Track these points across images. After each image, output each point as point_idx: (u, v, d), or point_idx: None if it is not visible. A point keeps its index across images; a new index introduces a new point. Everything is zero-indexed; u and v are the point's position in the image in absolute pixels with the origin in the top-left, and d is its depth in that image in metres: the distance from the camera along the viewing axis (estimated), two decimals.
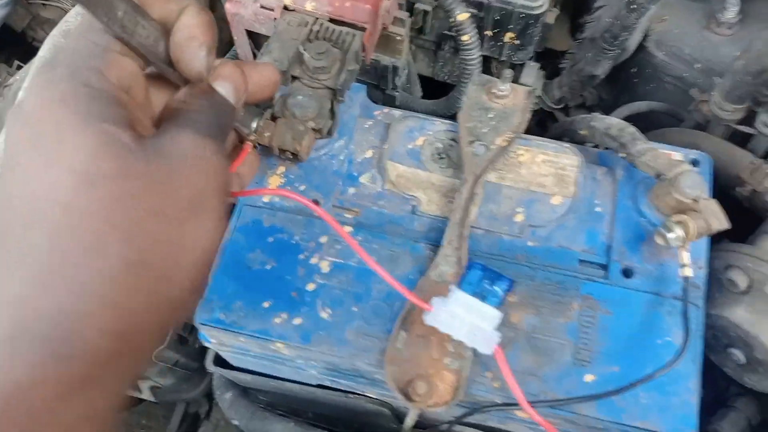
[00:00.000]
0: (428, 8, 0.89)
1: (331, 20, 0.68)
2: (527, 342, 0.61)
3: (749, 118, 0.75)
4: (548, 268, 0.64)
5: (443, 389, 0.58)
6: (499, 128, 0.69)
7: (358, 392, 0.72)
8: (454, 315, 0.56)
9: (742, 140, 0.79)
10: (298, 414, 0.81)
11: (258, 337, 0.60)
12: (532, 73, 0.98)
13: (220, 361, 0.75)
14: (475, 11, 0.87)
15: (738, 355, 0.68)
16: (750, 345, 0.66)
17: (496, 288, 0.58)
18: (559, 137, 0.78)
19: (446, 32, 0.92)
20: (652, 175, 0.64)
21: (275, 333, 0.60)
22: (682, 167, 0.63)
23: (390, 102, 0.87)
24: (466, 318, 0.57)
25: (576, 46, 0.97)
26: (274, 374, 0.73)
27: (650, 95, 0.96)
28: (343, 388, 0.72)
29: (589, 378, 0.59)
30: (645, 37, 0.92)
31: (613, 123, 0.68)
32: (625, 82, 0.99)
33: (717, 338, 0.70)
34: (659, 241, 0.62)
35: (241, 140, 0.55)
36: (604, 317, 0.62)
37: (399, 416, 0.77)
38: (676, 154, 0.69)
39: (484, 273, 0.57)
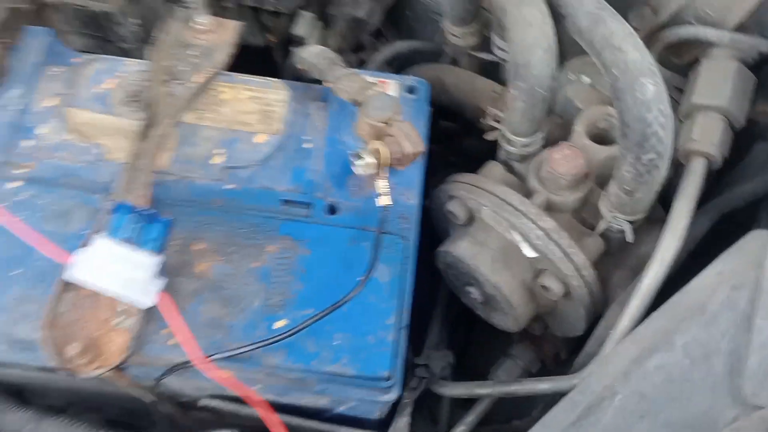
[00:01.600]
0: None
1: None
2: (214, 292, 0.55)
3: (488, 44, 0.71)
4: (246, 211, 0.58)
5: (111, 352, 0.51)
6: (200, 65, 0.63)
7: None
8: (99, 266, 0.50)
9: (494, 71, 0.75)
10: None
11: None
12: (304, 23, 0.93)
13: None
14: None
15: (475, 293, 0.64)
16: (477, 280, 0.61)
17: (150, 230, 0.51)
18: (297, 78, 0.73)
19: None
20: (351, 102, 0.59)
21: None
22: (372, 90, 0.58)
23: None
24: (114, 269, 0.50)
25: None
26: None
27: (432, 37, 0.91)
28: None
29: (279, 324, 0.54)
30: None
31: (315, 51, 0.63)
32: (407, 27, 0.95)
33: (456, 278, 0.66)
34: (356, 171, 0.56)
35: None
36: (302, 258, 0.56)
37: None
38: (392, 82, 0.64)
39: (134, 215, 0.51)
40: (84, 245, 0.52)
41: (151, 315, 0.53)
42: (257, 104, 0.62)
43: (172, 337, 0.53)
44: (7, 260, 0.54)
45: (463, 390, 0.65)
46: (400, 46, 0.85)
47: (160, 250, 0.51)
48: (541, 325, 0.67)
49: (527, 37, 0.53)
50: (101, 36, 0.76)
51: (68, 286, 0.52)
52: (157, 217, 0.51)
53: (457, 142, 0.85)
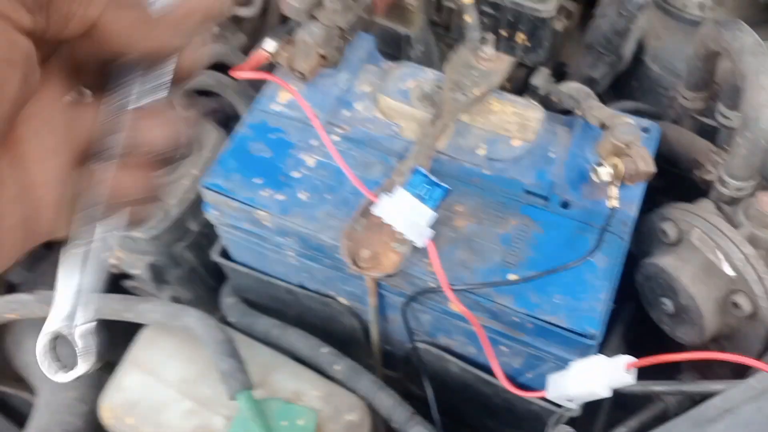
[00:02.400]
0: (453, 6, 1.05)
1: None
2: (465, 243, 0.71)
3: (712, 112, 0.84)
4: (497, 192, 0.74)
5: (387, 264, 0.69)
6: (479, 83, 0.81)
7: (330, 296, 0.84)
8: (395, 208, 0.68)
9: (711, 137, 0.88)
10: (284, 318, 0.92)
11: (246, 204, 0.74)
12: (541, 76, 1.10)
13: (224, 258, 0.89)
14: (491, 11, 1.01)
15: (668, 304, 0.75)
16: (675, 290, 0.73)
17: (434, 193, 0.69)
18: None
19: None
20: (597, 126, 0.75)
21: (260, 203, 0.74)
22: (622, 119, 0.73)
23: None
24: (405, 213, 0.68)
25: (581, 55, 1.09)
26: (264, 270, 0.85)
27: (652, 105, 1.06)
28: (320, 291, 0.84)
29: (512, 277, 0.69)
30: (643, 52, 1.02)
31: (573, 86, 0.80)
32: (629, 94, 1.09)
33: (652, 290, 0.77)
34: (594, 177, 0.71)
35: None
36: (536, 234, 0.71)
37: (365, 329, 0.88)
38: (630, 119, 0.79)
39: (426, 179, 0.69)
40: (381, 190, 0.71)
41: (417, 250, 0.70)
42: (518, 118, 0.80)
43: (431, 266, 0.69)
44: (324, 186, 0.75)
45: (639, 387, 0.76)
46: (626, 104, 1.00)
47: (435, 208, 0.69)
48: (717, 347, 0.76)
49: (760, 97, 0.66)
50: (394, 54, 0.99)
51: (364, 213, 0.71)
52: (440, 185, 0.69)
53: (658, 199, 0.98)
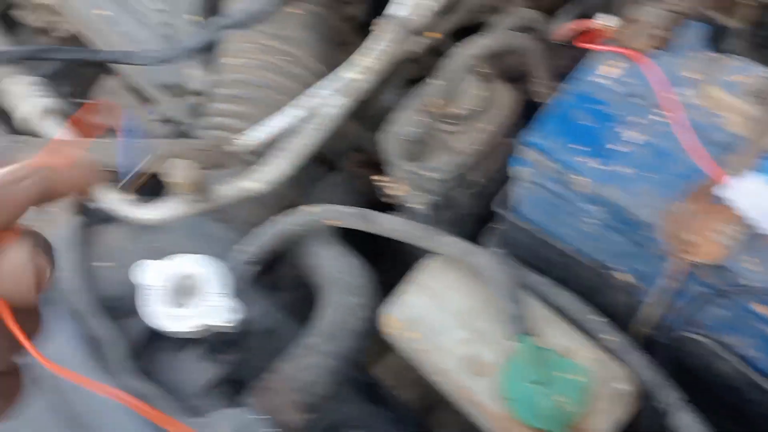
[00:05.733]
0: None
1: None
2: None
3: None
4: None
5: (706, 252, 0.71)
6: None
7: (610, 268, 0.86)
8: (749, 194, 0.68)
9: None
10: None
11: (564, 166, 0.78)
12: None
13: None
14: None
15: None
16: None
17: None
18: None
19: None
20: None
21: (578, 168, 0.78)
22: None
23: None
24: (760, 200, 0.68)
25: None
26: (547, 228, 0.90)
27: None
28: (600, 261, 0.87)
29: None
30: None
31: None
32: None
33: None
34: None
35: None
36: None
37: (633, 309, 0.90)
38: None
39: None
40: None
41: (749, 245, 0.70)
42: None
43: (757, 266, 0.70)
44: (646, 165, 0.77)
45: None
46: None
47: None
48: None
49: None
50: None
51: (694, 197, 0.72)
52: None
53: None
